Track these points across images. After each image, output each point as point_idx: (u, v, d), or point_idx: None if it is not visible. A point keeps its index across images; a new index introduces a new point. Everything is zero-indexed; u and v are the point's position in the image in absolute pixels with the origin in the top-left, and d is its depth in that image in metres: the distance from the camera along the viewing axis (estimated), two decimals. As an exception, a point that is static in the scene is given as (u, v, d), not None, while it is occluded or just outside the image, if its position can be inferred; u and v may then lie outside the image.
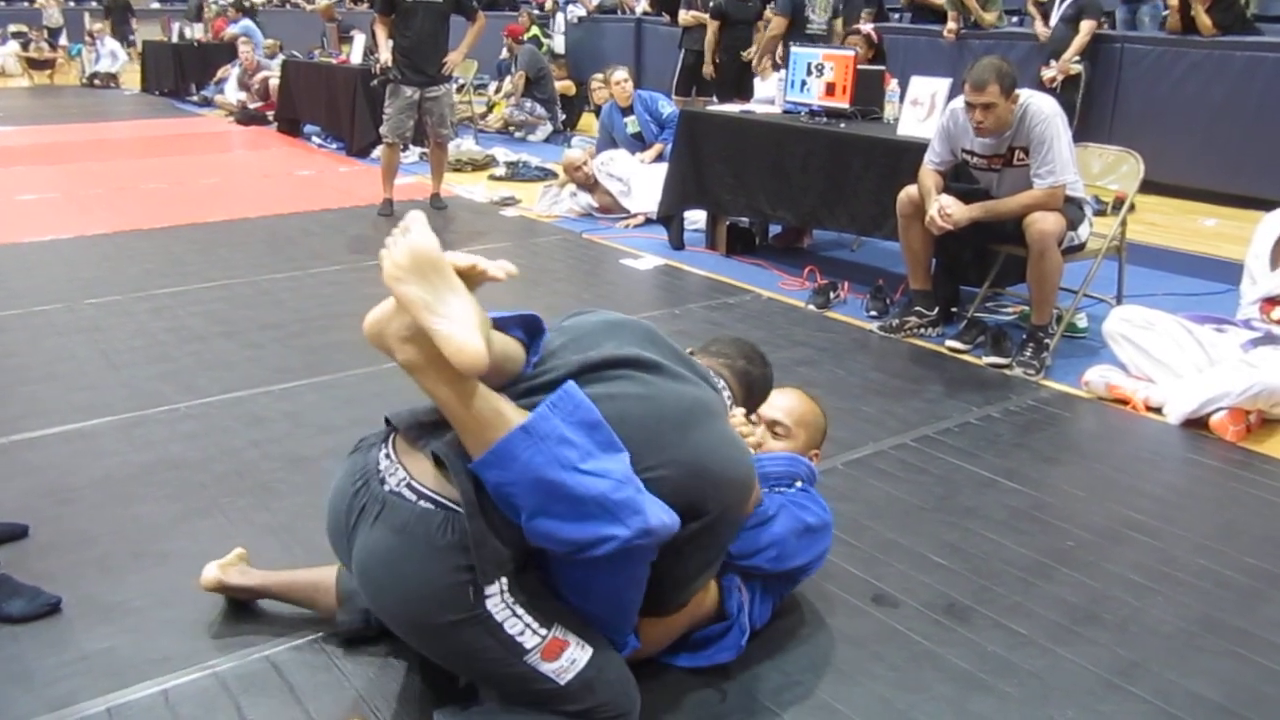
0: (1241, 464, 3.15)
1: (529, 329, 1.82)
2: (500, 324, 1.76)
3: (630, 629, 1.92)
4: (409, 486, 1.72)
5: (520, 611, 1.73)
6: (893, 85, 5.17)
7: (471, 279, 1.66)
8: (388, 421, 1.87)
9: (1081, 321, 4.32)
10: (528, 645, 1.74)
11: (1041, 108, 3.73)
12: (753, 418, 2.29)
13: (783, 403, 2.38)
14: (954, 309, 4.47)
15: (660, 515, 1.69)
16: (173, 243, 5.84)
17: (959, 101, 3.89)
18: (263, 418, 3.38)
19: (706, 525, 1.83)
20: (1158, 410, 3.51)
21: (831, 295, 4.74)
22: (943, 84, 4.51)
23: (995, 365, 3.93)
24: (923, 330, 4.29)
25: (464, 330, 1.56)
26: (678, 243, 5.82)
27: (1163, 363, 3.59)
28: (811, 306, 4.68)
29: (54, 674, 2.11)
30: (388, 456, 1.78)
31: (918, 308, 4.30)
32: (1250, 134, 6.96)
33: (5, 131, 10.73)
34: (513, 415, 1.66)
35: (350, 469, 1.83)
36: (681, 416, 1.81)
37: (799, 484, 2.25)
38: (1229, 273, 5.22)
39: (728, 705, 2.03)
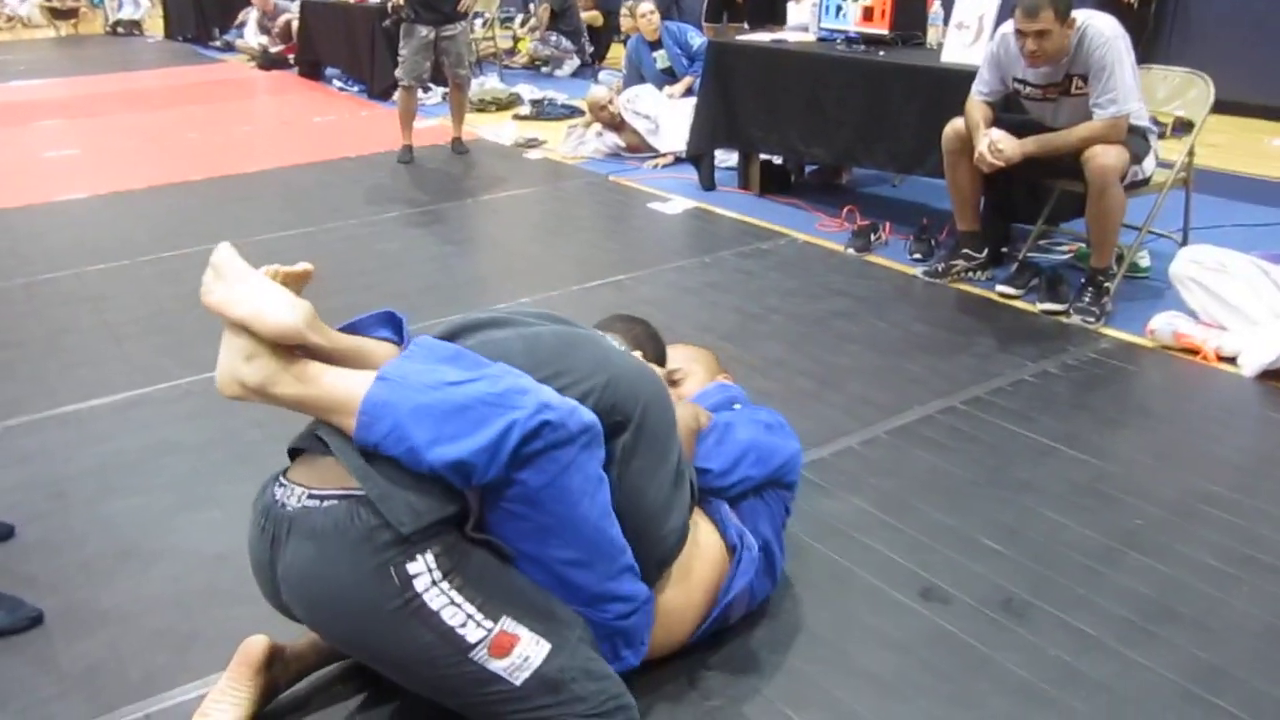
0: (1327, 422, 2.87)
1: (392, 325, 1.86)
2: (361, 326, 1.82)
3: (623, 572, 1.73)
4: (310, 497, 1.65)
5: (459, 599, 1.60)
6: (935, 7, 4.80)
7: (289, 282, 1.71)
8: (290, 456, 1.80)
9: (1144, 260, 4.00)
10: (471, 639, 1.60)
11: (1101, 30, 3.38)
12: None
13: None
14: (1004, 250, 4.17)
15: (554, 395, 1.64)
16: (186, 200, 5.65)
17: (1009, 26, 3.55)
18: (267, 394, 3.20)
19: (638, 435, 1.76)
20: (1231, 361, 3.21)
21: (872, 238, 4.44)
22: (991, 4, 4.14)
23: (1050, 312, 3.64)
24: (971, 274, 4.00)
25: (268, 305, 1.62)
26: (708, 183, 5.52)
27: (1236, 308, 3.28)
28: (851, 251, 4.40)
29: (31, 697, 1.95)
30: (281, 485, 1.70)
31: (965, 250, 4.00)
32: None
33: (30, 85, 10.56)
34: (369, 376, 1.66)
35: (253, 519, 1.74)
36: (565, 341, 1.82)
37: (737, 406, 2.24)
38: (1302, 199, 4.88)
39: (759, 727, 1.83)
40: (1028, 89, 3.66)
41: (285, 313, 1.63)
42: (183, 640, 2.10)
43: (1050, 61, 3.47)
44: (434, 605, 1.59)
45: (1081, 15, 3.42)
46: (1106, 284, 3.61)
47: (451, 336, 1.82)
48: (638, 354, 2.04)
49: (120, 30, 15.72)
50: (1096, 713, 1.83)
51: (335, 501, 1.61)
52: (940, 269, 4.03)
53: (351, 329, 1.81)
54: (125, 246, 4.76)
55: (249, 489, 2.60)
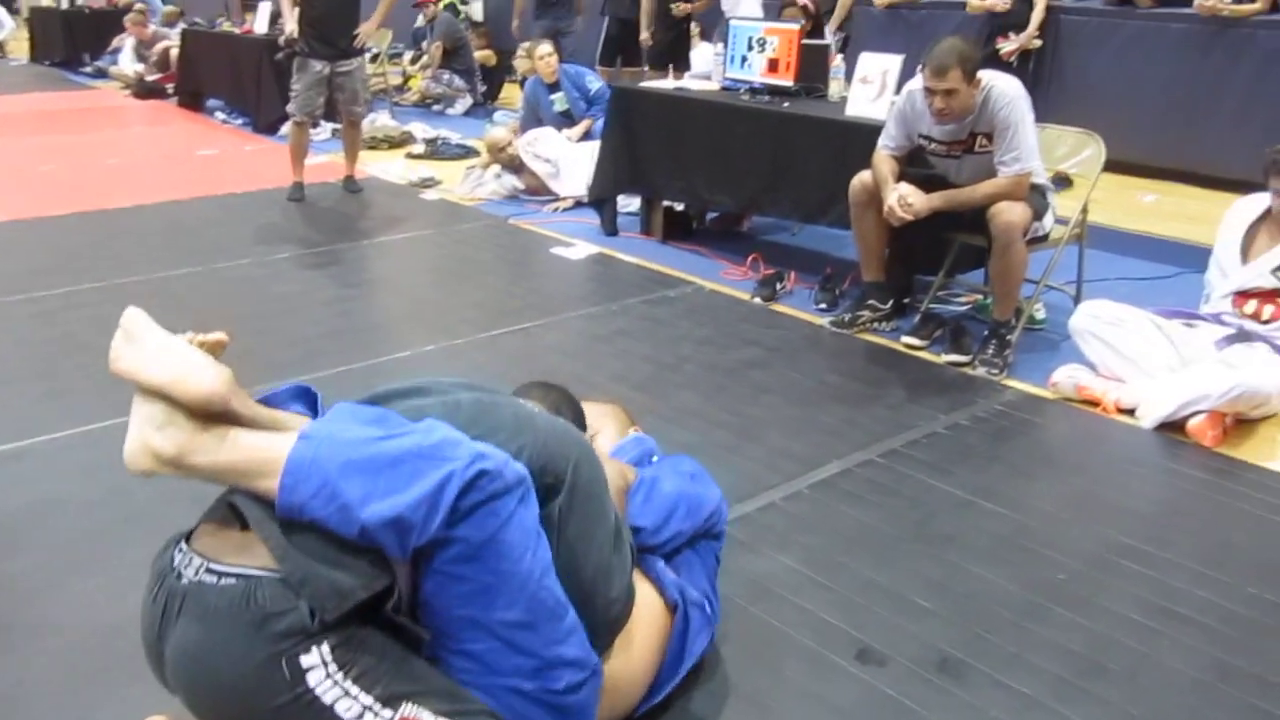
0: (1224, 473, 2.97)
1: (305, 399, 1.76)
2: (274, 400, 1.71)
3: (570, 633, 1.65)
4: (208, 570, 1.50)
5: (355, 690, 1.48)
6: (837, 61, 4.90)
7: (205, 350, 1.60)
8: None
9: (1040, 313, 4.13)
10: None
11: (1005, 90, 3.50)
12: None
13: None
14: (907, 300, 4.25)
15: (487, 446, 1.57)
16: (62, 234, 5.34)
17: (916, 83, 3.63)
18: (159, 447, 2.99)
19: (573, 496, 1.69)
20: (1129, 412, 3.32)
21: (778, 286, 4.47)
22: (894, 61, 4.25)
23: (955, 364, 3.71)
24: (877, 325, 4.05)
25: (189, 370, 1.51)
26: (611, 228, 5.50)
27: (1133, 361, 3.40)
28: (757, 299, 4.41)
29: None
30: (180, 550, 1.56)
31: (871, 301, 4.06)
32: (1185, 107, 6.86)
33: (-123, 106, 9.92)
34: (291, 436, 1.55)
35: (149, 581, 1.59)
36: (486, 404, 1.74)
37: (655, 458, 2.22)
38: (1177, 254, 5.12)
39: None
40: (933, 144, 3.74)
41: (209, 377, 1.51)
42: (74, 725, 1.92)
43: (956, 119, 3.56)
44: (328, 699, 1.47)
45: (986, 76, 3.52)
46: (1009, 336, 3.71)
47: (375, 401, 1.72)
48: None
49: (-19, 52, 14.97)
50: (1041, 777, 1.83)
51: (233, 581, 1.48)
52: (847, 319, 4.07)
53: (264, 402, 1.69)
54: (-6, 284, 4.46)
55: (142, 551, 2.43)
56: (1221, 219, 3.64)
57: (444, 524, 1.48)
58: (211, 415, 1.53)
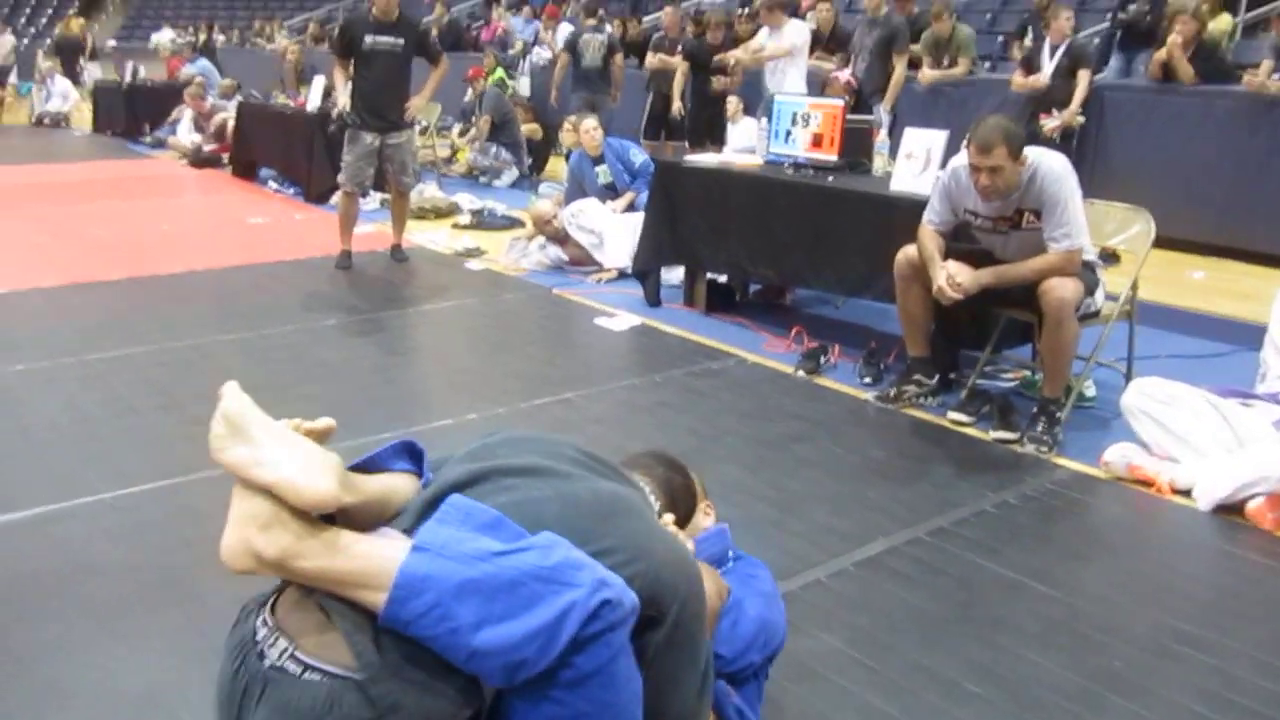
0: (1286, 559, 2.87)
1: (410, 454, 1.69)
2: (380, 459, 1.65)
3: None
4: (292, 658, 1.42)
5: None
6: (881, 136, 4.92)
7: (311, 439, 1.53)
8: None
9: (1089, 390, 4.05)
10: None
11: (1053, 167, 3.47)
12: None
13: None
14: (952, 375, 4.19)
15: (604, 569, 1.48)
16: (114, 299, 5.44)
17: (961, 159, 3.63)
18: (199, 511, 2.97)
19: (673, 633, 1.58)
20: (1184, 493, 3.23)
21: (821, 360, 4.44)
22: (939, 137, 4.25)
23: (1003, 441, 3.64)
24: (922, 400, 4.00)
25: (301, 472, 1.44)
26: (654, 299, 5.50)
27: (1186, 441, 3.31)
28: (801, 373, 4.38)
29: None
30: (265, 623, 1.47)
31: (917, 376, 4.00)
32: (1233, 183, 6.81)
33: (-56, 174, 10.26)
34: (403, 545, 1.45)
35: (229, 647, 1.50)
36: (605, 507, 1.63)
37: (731, 553, 2.13)
38: (1230, 332, 5.03)
39: None
40: (979, 220, 3.72)
41: (321, 479, 1.44)
42: (102, 795, 1.89)
43: (1002, 196, 3.53)
44: None
45: (1033, 153, 3.51)
46: (1058, 414, 3.63)
47: (477, 480, 1.61)
48: (670, 517, 1.88)
49: (46, 122, 15.48)
50: None
51: (317, 678, 1.40)
52: (892, 394, 4.02)
53: (370, 462, 1.64)
54: (45, 347, 4.53)
55: (178, 617, 2.45)
56: (1274, 296, 3.57)
57: (560, 654, 1.41)
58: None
